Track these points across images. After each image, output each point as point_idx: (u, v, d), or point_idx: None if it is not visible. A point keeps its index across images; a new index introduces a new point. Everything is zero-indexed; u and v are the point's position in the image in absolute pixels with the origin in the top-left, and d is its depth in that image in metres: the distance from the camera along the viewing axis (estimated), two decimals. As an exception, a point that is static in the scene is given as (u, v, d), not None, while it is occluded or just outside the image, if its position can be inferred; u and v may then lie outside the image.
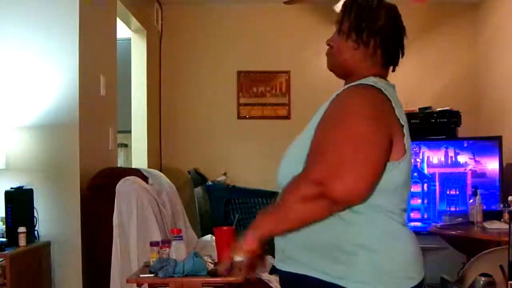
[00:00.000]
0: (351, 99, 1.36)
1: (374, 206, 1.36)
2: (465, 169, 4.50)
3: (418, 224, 4.52)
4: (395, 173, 1.36)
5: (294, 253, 1.41)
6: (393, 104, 1.38)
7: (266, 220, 1.33)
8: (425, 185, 4.56)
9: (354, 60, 1.50)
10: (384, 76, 1.50)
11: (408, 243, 1.42)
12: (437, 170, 4.57)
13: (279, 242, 1.46)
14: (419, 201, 4.57)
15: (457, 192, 4.52)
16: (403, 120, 1.39)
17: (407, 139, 1.39)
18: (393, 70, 1.54)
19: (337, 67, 1.56)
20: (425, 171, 4.57)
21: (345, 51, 1.51)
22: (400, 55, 1.53)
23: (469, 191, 4.45)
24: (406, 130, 1.39)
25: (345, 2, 1.55)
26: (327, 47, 1.59)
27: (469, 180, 4.49)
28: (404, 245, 1.40)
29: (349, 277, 1.33)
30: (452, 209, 4.49)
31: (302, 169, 1.31)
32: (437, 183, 4.56)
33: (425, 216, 4.55)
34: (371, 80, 1.41)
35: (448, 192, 4.55)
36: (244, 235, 1.32)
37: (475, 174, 4.48)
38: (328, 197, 1.22)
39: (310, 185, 1.24)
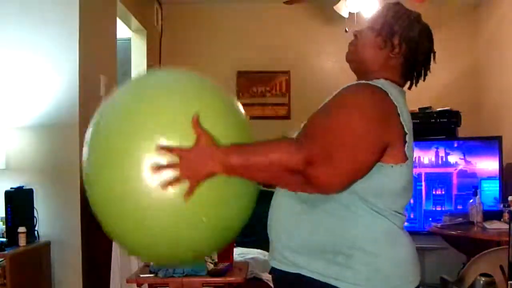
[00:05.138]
0: (356, 94, 1.36)
1: (373, 208, 1.36)
2: (456, 169, 4.51)
3: (405, 224, 4.54)
4: (393, 177, 1.36)
5: (290, 254, 1.41)
6: (399, 110, 1.36)
7: (237, 150, 1.27)
8: None
9: (375, 59, 1.48)
10: (397, 84, 1.48)
11: (406, 247, 1.41)
12: (423, 170, 4.59)
13: (274, 241, 1.46)
14: None
15: (443, 192, 4.54)
16: (408, 127, 1.37)
17: (408, 146, 1.37)
18: (409, 88, 1.52)
19: (356, 61, 1.52)
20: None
21: (370, 47, 1.49)
22: (422, 76, 1.52)
23: (454, 191, 4.48)
24: (409, 138, 1.37)
25: (385, 3, 1.54)
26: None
27: (455, 180, 4.51)
28: (402, 249, 1.40)
29: (343, 278, 1.33)
30: (438, 208, 4.51)
31: (296, 137, 1.31)
32: (423, 183, 4.58)
33: (412, 216, 4.57)
34: (379, 82, 1.40)
35: (434, 192, 4.56)
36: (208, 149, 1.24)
37: (465, 174, 4.50)
38: (309, 179, 1.24)
39: (298, 159, 1.22)
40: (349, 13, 4.48)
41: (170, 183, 1.23)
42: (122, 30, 4.69)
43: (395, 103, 1.37)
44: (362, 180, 1.33)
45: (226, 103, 1.40)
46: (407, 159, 1.37)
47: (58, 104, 3.34)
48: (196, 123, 1.25)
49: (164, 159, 1.23)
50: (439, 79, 5.41)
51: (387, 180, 1.35)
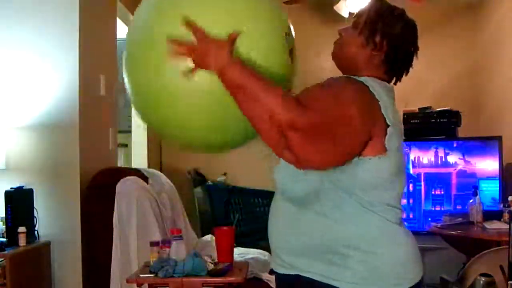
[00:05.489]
0: (343, 84, 1.37)
1: (364, 205, 1.35)
2: (455, 169, 4.52)
3: (404, 223, 4.56)
4: (374, 170, 1.35)
5: (288, 257, 1.41)
6: (381, 104, 1.37)
7: (240, 68, 1.29)
8: (411, 185, 4.58)
9: (358, 56, 1.49)
10: (382, 80, 1.48)
11: (404, 242, 1.41)
12: (422, 170, 4.59)
13: (274, 245, 1.47)
14: (405, 201, 4.59)
15: (442, 192, 4.54)
16: (391, 121, 1.37)
17: (390, 139, 1.36)
18: (395, 83, 1.53)
19: (340, 58, 1.54)
20: (411, 171, 4.59)
21: (353, 45, 1.50)
22: (405, 72, 1.53)
23: (454, 191, 4.49)
24: (392, 130, 1.37)
25: (369, 1, 1.55)
26: (332, 44, 1.58)
27: (454, 180, 4.51)
28: (400, 245, 1.40)
29: (342, 278, 1.33)
30: (438, 208, 4.52)
31: (296, 96, 1.32)
32: (422, 183, 4.58)
33: (411, 216, 4.58)
34: (362, 79, 1.41)
35: (433, 192, 4.57)
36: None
37: (464, 174, 4.50)
38: (287, 141, 1.22)
39: (285, 114, 1.21)
40: (349, 13, 4.48)
41: (190, 72, 1.30)
42: (122, 30, 4.69)
43: (377, 97, 1.37)
44: (347, 176, 1.33)
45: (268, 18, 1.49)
46: (386, 151, 1.36)
47: (58, 104, 3.34)
48: (235, 36, 1.30)
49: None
50: (439, 79, 5.41)
51: (369, 174, 1.35)
